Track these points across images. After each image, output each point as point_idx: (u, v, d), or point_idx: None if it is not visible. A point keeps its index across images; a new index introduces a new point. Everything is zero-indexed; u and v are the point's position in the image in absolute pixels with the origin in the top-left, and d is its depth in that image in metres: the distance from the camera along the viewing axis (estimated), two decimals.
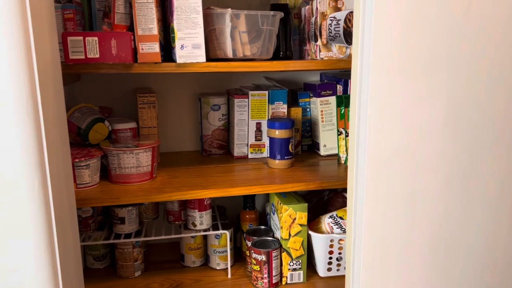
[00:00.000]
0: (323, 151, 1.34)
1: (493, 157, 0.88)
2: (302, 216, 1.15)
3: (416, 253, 0.89)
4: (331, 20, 1.12)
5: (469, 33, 0.81)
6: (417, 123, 0.83)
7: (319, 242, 1.18)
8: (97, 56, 0.90)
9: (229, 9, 1.02)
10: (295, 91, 1.40)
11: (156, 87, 1.39)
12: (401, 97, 0.82)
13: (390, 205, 0.86)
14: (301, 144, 1.39)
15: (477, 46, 0.82)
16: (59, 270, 0.73)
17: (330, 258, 1.20)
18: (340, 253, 1.20)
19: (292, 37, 1.23)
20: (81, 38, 0.88)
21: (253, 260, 1.17)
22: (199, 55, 0.96)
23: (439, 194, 0.88)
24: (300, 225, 1.16)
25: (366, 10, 0.79)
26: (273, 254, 1.15)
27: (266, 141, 1.32)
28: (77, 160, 1.01)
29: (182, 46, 0.95)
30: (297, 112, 1.35)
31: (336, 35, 1.12)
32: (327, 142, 1.33)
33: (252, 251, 1.17)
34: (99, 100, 1.35)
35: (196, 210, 1.20)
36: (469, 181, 0.89)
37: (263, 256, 1.15)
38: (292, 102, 1.42)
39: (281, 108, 1.31)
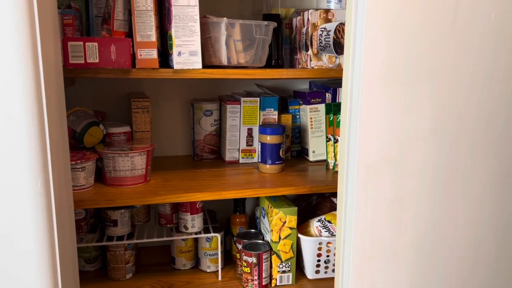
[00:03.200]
0: (312, 157, 1.38)
1: (476, 164, 0.93)
2: (292, 220, 1.19)
3: (402, 255, 0.94)
4: (321, 31, 1.16)
5: (454, 46, 0.86)
6: (404, 131, 0.88)
7: (308, 245, 1.22)
8: (97, 61, 0.92)
9: (225, 18, 1.06)
10: (285, 99, 1.44)
11: (149, 92, 1.41)
12: (390, 106, 0.86)
13: (378, 209, 0.90)
14: (291, 149, 1.42)
15: (462, 58, 0.87)
16: (58, 269, 0.75)
17: (319, 260, 1.24)
18: (328, 256, 1.24)
19: (283, 46, 1.27)
20: (81, 43, 0.91)
21: (243, 263, 1.20)
22: (196, 62, 0.99)
23: (425, 199, 0.92)
24: (290, 228, 1.19)
25: (358, 23, 0.83)
26: (264, 257, 1.18)
27: (257, 146, 1.35)
28: (73, 163, 1.03)
29: (179, 53, 0.98)
30: (287, 119, 1.38)
31: (326, 45, 1.17)
32: (316, 148, 1.37)
33: (243, 253, 1.20)
34: (93, 104, 1.37)
35: (188, 213, 1.23)
36: (453, 187, 0.93)
37: (254, 259, 1.18)
38: (282, 109, 1.46)
39: (272, 115, 1.35)
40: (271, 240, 1.21)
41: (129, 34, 1.00)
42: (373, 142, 0.87)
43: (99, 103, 1.37)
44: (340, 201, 0.93)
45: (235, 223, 1.36)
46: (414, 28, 0.84)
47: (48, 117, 0.70)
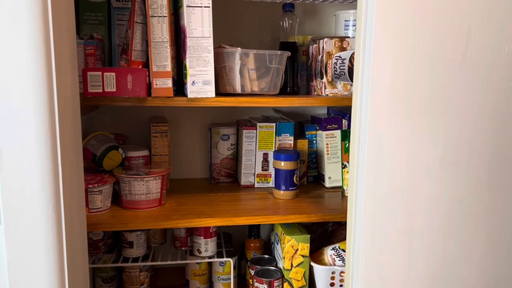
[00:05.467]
0: (328, 183, 1.37)
1: (493, 199, 0.90)
2: (304, 247, 1.18)
3: None
4: (336, 59, 1.17)
5: (466, 78, 0.85)
6: (414, 162, 0.87)
7: (321, 273, 1.20)
8: (114, 90, 0.96)
9: (239, 48, 1.08)
10: (302, 124, 1.45)
11: (170, 116, 1.45)
12: (398, 137, 0.85)
13: (387, 241, 0.89)
14: (307, 175, 1.42)
15: (474, 90, 0.86)
16: None
17: None
18: (341, 286, 1.22)
19: (299, 73, 1.29)
20: (100, 73, 0.95)
21: None
22: (209, 91, 1.02)
23: (437, 232, 0.90)
24: (302, 256, 1.18)
25: (366, 54, 0.84)
26: (275, 284, 1.18)
27: (272, 171, 1.36)
28: (91, 186, 1.07)
29: (193, 82, 1.01)
30: (303, 144, 1.39)
31: (341, 73, 1.17)
32: (332, 174, 1.37)
33: (255, 280, 1.19)
34: (116, 127, 1.42)
35: (202, 237, 1.24)
36: (468, 221, 0.91)
37: (265, 286, 1.17)
38: (299, 134, 1.47)
39: (288, 140, 1.35)
40: (283, 268, 1.20)
41: (146, 63, 1.04)
42: (381, 173, 0.86)
43: (121, 126, 1.43)
44: (349, 231, 0.92)
45: (250, 247, 1.37)
46: (424, 59, 0.84)
47: (61, 145, 0.74)
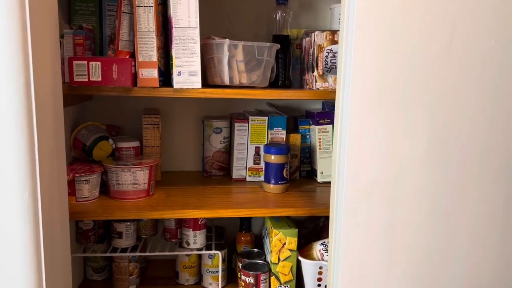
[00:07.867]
0: (320, 178, 1.36)
1: (476, 192, 0.89)
2: (291, 242, 1.17)
3: (394, 286, 0.90)
4: (327, 52, 1.16)
5: (451, 70, 0.84)
6: (396, 157, 0.85)
7: (308, 268, 1.19)
8: (99, 79, 0.97)
9: (227, 39, 1.08)
10: (296, 118, 1.44)
11: (164, 109, 1.45)
12: (380, 131, 0.84)
13: (368, 235, 0.87)
14: (300, 170, 1.41)
15: (460, 82, 0.84)
16: (43, 276, 0.78)
17: (319, 285, 1.21)
18: None
19: (291, 66, 1.28)
20: (85, 62, 0.96)
21: (242, 282, 1.19)
22: (195, 82, 1.02)
23: (420, 228, 0.89)
24: (290, 250, 1.18)
25: (348, 45, 0.83)
26: (261, 278, 1.17)
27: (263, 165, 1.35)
28: (78, 175, 1.08)
29: (179, 73, 1.01)
30: (296, 139, 1.38)
31: (332, 66, 1.16)
32: (324, 169, 1.35)
33: (242, 273, 1.19)
34: (110, 118, 1.43)
35: (191, 229, 1.24)
36: (452, 215, 0.89)
37: (251, 279, 1.17)
38: (293, 128, 1.46)
39: (280, 134, 1.35)
40: (271, 261, 1.20)
41: (134, 53, 1.04)
42: (362, 166, 0.85)
43: (115, 118, 1.43)
44: (331, 225, 0.91)
45: (240, 241, 1.36)
46: (409, 52, 0.82)
47: (38, 131, 0.74)
